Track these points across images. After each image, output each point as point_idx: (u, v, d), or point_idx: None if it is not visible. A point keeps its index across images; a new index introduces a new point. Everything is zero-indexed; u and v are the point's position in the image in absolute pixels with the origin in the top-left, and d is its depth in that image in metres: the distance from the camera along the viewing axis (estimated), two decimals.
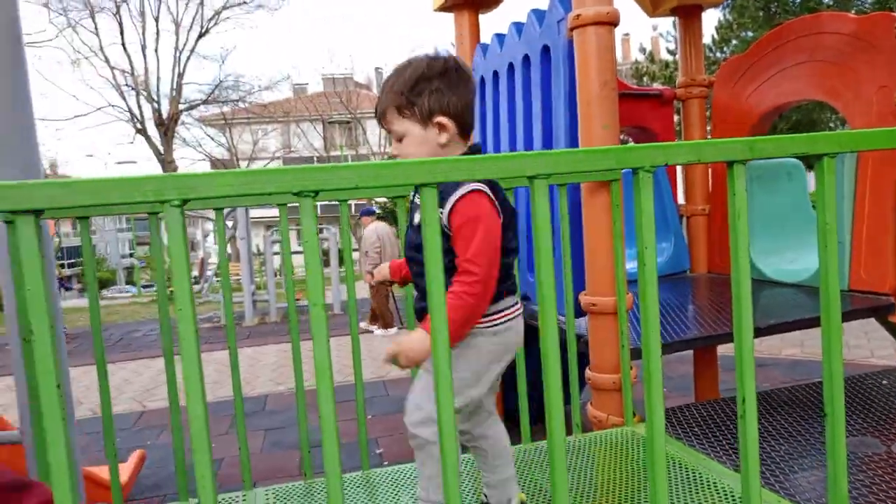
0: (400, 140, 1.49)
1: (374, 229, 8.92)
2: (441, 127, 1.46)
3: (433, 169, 0.97)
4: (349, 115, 25.95)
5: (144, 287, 21.44)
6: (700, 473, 1.91)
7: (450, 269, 1.38)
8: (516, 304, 1.59)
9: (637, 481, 1.91)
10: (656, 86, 16.27)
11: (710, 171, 3.76)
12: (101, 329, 1.99)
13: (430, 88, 1.45)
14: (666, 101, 3.74)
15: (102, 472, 3.36)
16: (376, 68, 34.02)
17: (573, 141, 2.40)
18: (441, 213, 1.42)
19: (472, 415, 1.63)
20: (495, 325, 1.53)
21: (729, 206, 1.10)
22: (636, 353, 2.33)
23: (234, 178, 0.88)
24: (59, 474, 0.92)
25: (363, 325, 9.02)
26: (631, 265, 2.69)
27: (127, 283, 27.53)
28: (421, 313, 1.57)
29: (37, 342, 0.90)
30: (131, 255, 34.00)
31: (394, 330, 8.98)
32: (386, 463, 3.83)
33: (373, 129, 25.89)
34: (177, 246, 0.90)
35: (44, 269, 0.89)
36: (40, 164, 2.00)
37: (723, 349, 3.93)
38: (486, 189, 1.43)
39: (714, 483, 1.84)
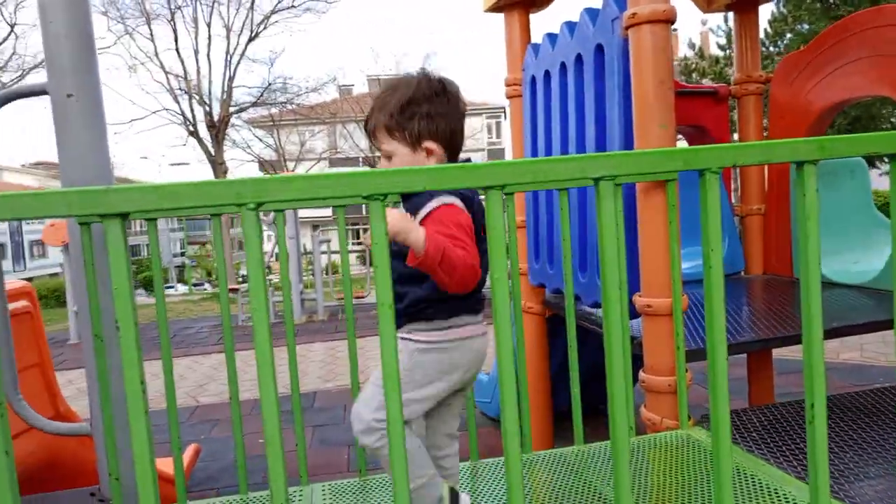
0: (388, 158, 1.51)
1: None
2: (429, 152, 1.48)
3: (497, 172, 0.97)
4: None
5: (195, 285, 22.02)
6: (760, 479, 1.87)
7: (416, 276, 1.43)
8: (476, 324, 1.56)
9: (693, 485, 1.88)
10: (706, 82, 15.90)
11: (766, 169, 3.67)
12: (156, 326, 2.06)
13: (420, 113, 1.47)
14: (721, 98, 3.66)
15: (163, 464, 3.48)
16: (421, 69, 34.11)
17: (628, 141, 2.37)
18: None
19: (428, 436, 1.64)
20: (444, 341, 1.51)
21: (798, 208, 1.07)
22: (691, 356, 2.30)
23: (307, 183, 0.91)
24: (143, 464, 0.97)
25: None
26: (686, 266, 2.66)
27: (178, 281, 28.36)
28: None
29: (122, 338, 0.94)
30: (182, 255, 35.02)
31: None
32: None
33: None
34: (253, 247, 0.93)
35: (129, 269, 0.93)
36: (110, 169, 2.08)
37: (777, 353, 3.83)
38: (458, 202, 1.43)
39: (775, 490, 1.80)
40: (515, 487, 1.01)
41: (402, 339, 1.51)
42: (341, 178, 0.95)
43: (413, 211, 1.45)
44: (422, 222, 1.39)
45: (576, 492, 1.92)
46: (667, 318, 2.27)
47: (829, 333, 2.53)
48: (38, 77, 19.28)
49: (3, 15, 18.29)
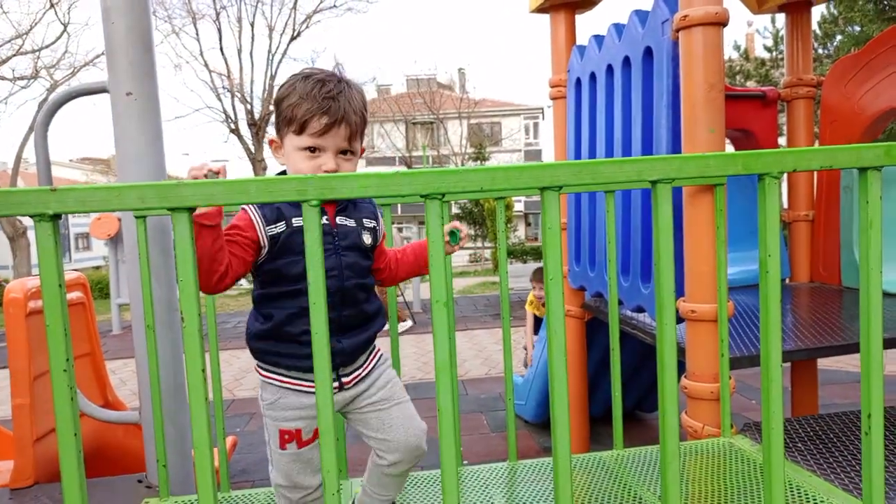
0: (348, 159, 1.45)
1: None
2: (362, 152, 1.53)
3: (555, 172, 0.98)
4: (432, 116, 26.26)
5: None
6: (806, 491, 1.83)
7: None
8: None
9: (736, 494, 1.85)
10: (750, 85, 15.59)
11: (815, 174, 3.59)
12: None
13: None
14: (769, 102, 3.59)
15: None
16: (460, 69, 34.19)
17: (675, 145, 2.35)
18: (376, 226, 1.56)
19: None
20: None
21: (861, 215, 1.05)
22: (735, 363, 2.26)
23: (371, 181, 0.93)
24: (201, 448, 1.00)
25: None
26: (731, 271, 2.61)
27: None
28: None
29: (186, 328, 0.98)
30: None
31: (408, 323, 9.31)
32: (466, 462, 3.86)
33: (454, 130, 26.09)
34: (314, 243, 0.95)
35: (195, 262, 0.96)
36: (165, 165, 2.15)
37: (819, 363, 3.73)
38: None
39: (822, 501, 1.76)
40: (564, 488, 1.02)
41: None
42: (404, 176, 0.97)
43: (373, 214, 1.56)
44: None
45: (615, 496, 1.91)
46: (711, 324, 2.24)
47: (886, 344, 2.47)
48: (89, 75, 19.86)
49: (56, 14, 18.89)
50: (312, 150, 1.40)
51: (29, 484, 2.33)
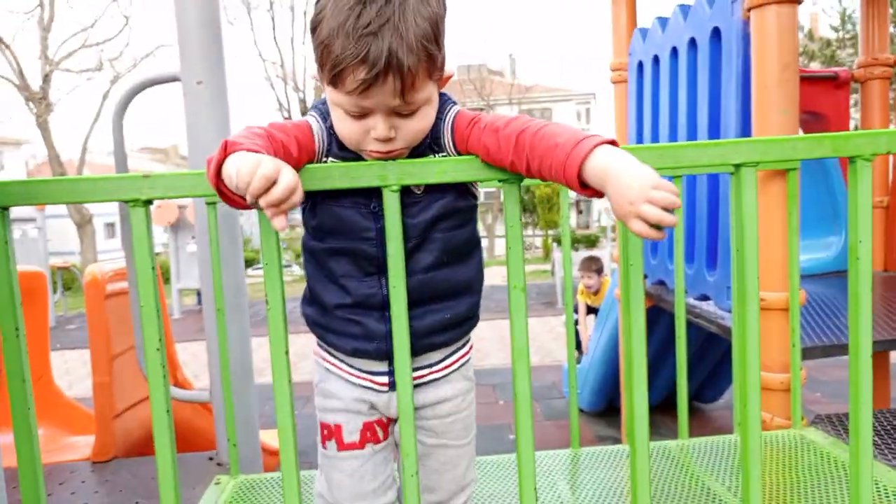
0: (407, 116, 0.98)
1: None
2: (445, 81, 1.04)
3: (640, 155, 0.96)
4: (482, 102, 26.15)
5: (285, 267, 22.89)
6: (885, 485, 1.77)
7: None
8: None
9: (807, 487, 1.80)
10: (814, 66, 14.95)
11: (891, 159, 3.43)
12: (252, 305, 2.15)
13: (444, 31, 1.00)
14: (842, 83, 3.44)
15: (265, 436, 3.67)
16: (510, 55, 33.88)
17: (745, 127, 2.28)
18: (444, 144, 1.05)
19: None
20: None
21: None
22: (806, 353, 2.20)
23: (451, 166, 0.93)
24: (285, 430, 1.03)
25: None
26: (803, 258, 2.52)
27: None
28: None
29: (271, 311, 1.00)
30: None
31: None
32: None
33: None
34: (394, 228, 0.97)
35: (279, 247, 0.99)
36: None
37: (894, 356, 3.58)
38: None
39: None
40: (642, 475, 1.01)
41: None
42: (464, 163, 0.97)
43: (434, 135, 1.05)
44: (454, 136, 1.05)
45: (682, 485, 1.88)
46: (781, 313, 2.18)
47: None
48: (150, 67, 20.46)
49: (118, 7, 19.50)
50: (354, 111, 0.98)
51: (108, 458, 2.45)
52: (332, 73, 0.93)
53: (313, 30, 0.96)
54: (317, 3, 0.97)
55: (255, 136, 0.92)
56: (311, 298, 1.18)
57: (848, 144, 0.98)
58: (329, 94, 0.99)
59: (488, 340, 7.45)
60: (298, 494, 1.01)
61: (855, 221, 1.00)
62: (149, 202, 0.99)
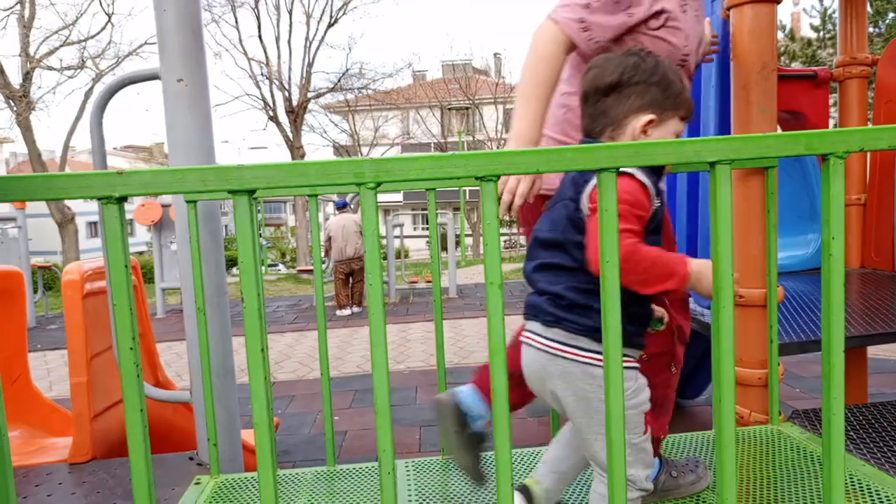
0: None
1: (333, 222, 9.63)
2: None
3: (613, 154, 0.97)
4: (467, 102, 26.14)
5: (270, 266, 22.77)
6: (860, 479, 1.79)
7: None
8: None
9: (785, 482, 1.83)
10: (795, 66, 15.10)
11: (867, 156, 3.48)
12: (232, 305, 2.15)
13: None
14: (821, 82, 3.47)
15: (246, 435, 3.65)
16: (495, 54, 33.91)
17: (724, 125, 2.30)
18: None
19: None
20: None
21: None
22: (783, 349, 2.22)
23: (428, 163, 0.93)
24: (261, 426, 1.02)
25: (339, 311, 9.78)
26: (782, 255, 2.55)
27: None
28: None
29: (246, 309, 1.00)
30: (260, 236, 36.27)
31: (346, 311, 9.70)
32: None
33: (489, 115, 25.92)
34: (370, 225, 0.96)
35: (256, 244, 0.98)
36: (214, 150, 2.18)
37: (871, 351, 3.62)
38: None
39: (876, 490, 1.73)
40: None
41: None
42: (459, 158, 0.96)
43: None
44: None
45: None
46: (759, 310, 2.20)
47: None
48: (132, 65, 20.27)
49: (101, 5, 19.28)
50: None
51: (87, 459, 2.42)
52: (688, 111, 1.37)
53: (666, 84, 1.35)
54: (650, 62, 1.34)
55: None
56: None
57: (821, 142, 1.00)
58: (676, 126, 1.36)
59: (471, 338, 7.47)
60: (274, 489, 1.01)
61: (828, 219, 1.02)
62: (122, 199, 0.98)
